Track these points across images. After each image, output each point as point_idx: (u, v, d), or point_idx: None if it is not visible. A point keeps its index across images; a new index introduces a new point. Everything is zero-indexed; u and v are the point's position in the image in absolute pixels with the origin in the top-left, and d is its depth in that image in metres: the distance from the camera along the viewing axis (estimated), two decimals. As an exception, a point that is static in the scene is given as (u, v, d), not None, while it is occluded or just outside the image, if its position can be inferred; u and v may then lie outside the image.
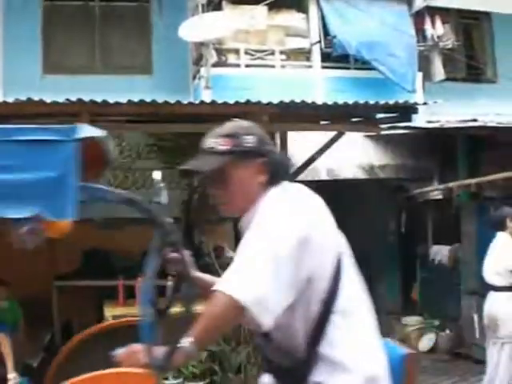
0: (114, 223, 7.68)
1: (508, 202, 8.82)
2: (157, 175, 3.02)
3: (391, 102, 6.06)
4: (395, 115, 6.37)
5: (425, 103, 6.33)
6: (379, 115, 6.72)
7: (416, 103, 6.12)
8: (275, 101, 5.62)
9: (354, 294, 2.34)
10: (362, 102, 5.84)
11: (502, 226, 6.33)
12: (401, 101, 6.13)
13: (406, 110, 6.21)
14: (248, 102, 5.50)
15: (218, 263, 7.59)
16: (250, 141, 2.30)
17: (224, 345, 6.12)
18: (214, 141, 2.32)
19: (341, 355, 2.19)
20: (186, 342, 2.05)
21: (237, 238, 8.26)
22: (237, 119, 2.44)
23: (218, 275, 6.89)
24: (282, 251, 2.10)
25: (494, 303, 6.19)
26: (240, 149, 2.29)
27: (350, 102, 5.86)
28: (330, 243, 2.30)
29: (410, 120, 6.48)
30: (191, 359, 2.15)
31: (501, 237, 6.31)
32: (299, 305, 2.18)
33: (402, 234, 10.30)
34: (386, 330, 8.49)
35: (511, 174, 7.84)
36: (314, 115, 6.54)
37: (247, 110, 5.66)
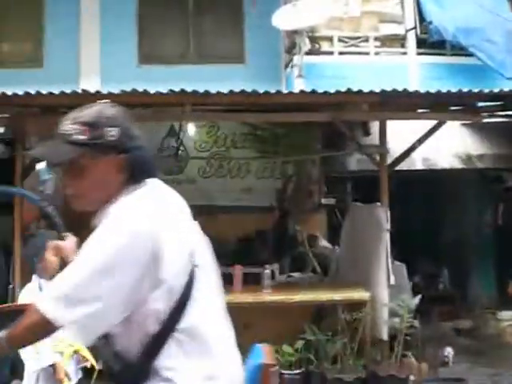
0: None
1: None
2: (41, 166, 2.96)
3: (495, 90, 5.84)
4: (499, 103, 6.14)
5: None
6: (480, 103, 6.50)
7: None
8: (376, 89, 5.53)
9: (205, 311, 2.09)
10: (464, 90, 5.66)
11: None
12: (506, 89, 5.89)
13: (510, 99, 5.97)
14: (349, 90, 5.44)
15: (311, 252, 7.61)
16: (112, 134, 2.04)
17: (320, 334, 6.13)
18: (72, 127, 2.04)
19: (174, 373, 2.00)
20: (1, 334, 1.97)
21: (331, 227, 8.27)
22: (104, 101, 2.15)
23: (312, 264, 6.96)
24: (120, 266, 1.91)
25: None
26: (99, 141, 2.02)
27: (452, 90, 5.69)
28: (182, 259, 2.03)
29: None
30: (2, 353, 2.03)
31: None
32: (136, 319, 1.99)
33: (498, 227, 9.98)
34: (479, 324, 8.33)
35: None
36: (413, 104, 6.41)
37: (347, 99, 5.61)
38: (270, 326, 6.06)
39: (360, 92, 5.38)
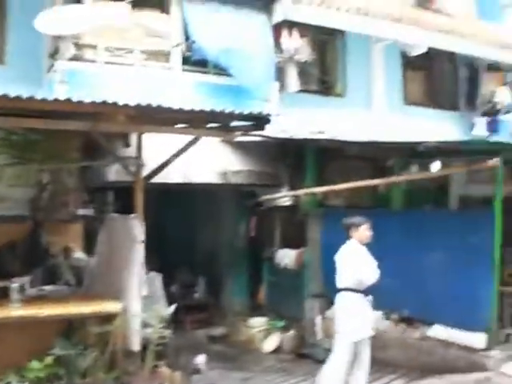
0: None
1: (350, 210, 9.44)
2: None
3: (246, 111, 6.24)
4: (250, 124, 6.57)
5: (277, 115, 6.59)
6: (234, 123, 6.88)
7: (269, 114, 6.35)
8: (133, 102, 5.58)
9: None
10: (218, 109, 5.96)
11: (348, 235, 6.79)
12: (255, 111, 6.32)
13: (261, 120, 6.42)
14: (104, 101, 5.43)
15: (66, 264, 7.44)
16: None
17: (70, 348, 6.00)
18: None
19: None
20: None
21: (88, 238, 8.13)
22: None
23: (65, 276, 6.76)
24: None
25: (337, 302, 6.76)
26: None
27: (207, 108, 5.96)
28: None
29: (263, 129, 6.71)
30: None
31: (347, 245, 6.77)
32: None
33: (251, 238, 10.60)
34: (231, 331, 8.76)
35: (356, 184, 8.39)
36: (170, 118, 6.59)
37: (103, 109, 5.60)
38: (18, 342, 5.84)
39: (115, 104, 5.41)
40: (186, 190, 9.73)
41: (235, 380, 8.21)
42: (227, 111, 6.01)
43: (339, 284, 6.72)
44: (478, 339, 7.59)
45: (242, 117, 6.31)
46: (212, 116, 6.21)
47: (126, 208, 6.90)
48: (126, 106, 5.50)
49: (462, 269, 7.67)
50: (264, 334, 9.88)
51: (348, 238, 6.78)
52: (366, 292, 6.67)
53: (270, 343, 9.72)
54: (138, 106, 5.53)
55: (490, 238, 7.37)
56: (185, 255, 11.09)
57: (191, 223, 11.56)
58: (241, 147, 9.56)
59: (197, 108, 5.87)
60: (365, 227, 6.72)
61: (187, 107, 5.89)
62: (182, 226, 11.43)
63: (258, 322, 10.05)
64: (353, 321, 6.62)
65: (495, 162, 7.17)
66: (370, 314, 6.79)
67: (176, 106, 5.84)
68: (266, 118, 6.33)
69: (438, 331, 8.13)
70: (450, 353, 7.78)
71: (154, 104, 5.64)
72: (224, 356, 9.47)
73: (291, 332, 9.72)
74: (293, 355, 9.45)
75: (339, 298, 6.72)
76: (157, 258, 10.13)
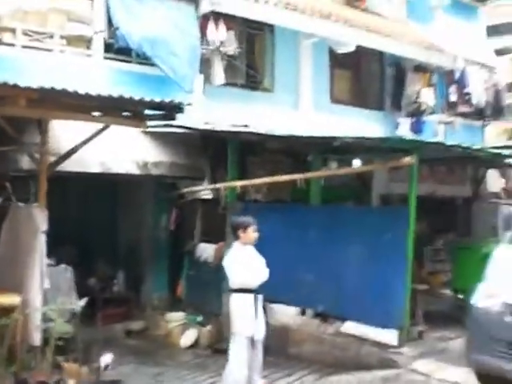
0: None
1: (270, 205, 9.43)
2: None
3: (157, 99, 6.08)
4: (160, 113, 6.40)
5: (189, 104, 6.42)
6: (149, 111, 6.71)
7: (181, 103, 6.20)
8: (33, 85, 5.33)
9: None
10: (127, 96, 5.77)
11: (235, 236, 6.69)
12: (167, 100, 6.16)
13: (172, 109, 6.26)
14: (5, 84, 5.18)
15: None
16: None
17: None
18: None
19: None
20: None
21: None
22: None
23: None
24: None
25: (230, 302, 6.71)
26: None
27: (115, 94, 5.76)
28: None
29: (174, 119, 6.55)
30: None
31: (234, 246, 6.72)
32: None
33: (172, 232, 10.45)
34: (149, 326, 8.54)
35: (274, 179, 8.35)
36: (84, 106, 6.35)
37: (3, 92, 5.34)
38: None
39: (16, 86, 5.15)
40: (107, 180, 9.49)
41: (147, 375, 8.06)
42: (137, 98, 5.83)
43: (230, 285, 6.68)
44: (390, 336, 7.67)
45: (152, 105, 6.13)
46: (121, 102, 6.00)
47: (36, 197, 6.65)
48: (27, 88, 5.26)
49: (376, 266, 7.73)
50: (182, 328, 9.75)
51: (235, 238, 6.68)
52: (255, 291, 6.59)
53: (187, 338, 9.60)
54: (40, 89, 5.30)
55: (405, 236, 7.44)
56: (105, 248, 10.83)
57: (112, 215, 11.31)
58: (162, 138, 9.38)
59: (104, 93, 5.66)
60: (252, 229, 6.61)
61: (95, 92, 5.67)
62: (103, 217, 11.16)
63: (176, 317, 9.92)
64: (244, 320, 6.58)
65: (410, 159, 7.23)
66: (260, 315, 6.72)
67: (83, 91, 5.62)
68: (178, 106, 6.16)
69: (352, 327, 8.19)
70: (363, 349, 7.84)
71: (59, 87, 5.41)
72: (140, 351, 9.30)
73: (209, 327, 9.62)
74: (209, 350, 9.35)
75: (230, 298, 6.68)
76: (75, 250, 9.90)
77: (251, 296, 6.52)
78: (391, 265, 7.59)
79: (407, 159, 7.26)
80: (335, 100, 12.45)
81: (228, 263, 6.65)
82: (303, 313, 8.83)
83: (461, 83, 13.88)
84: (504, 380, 5.54)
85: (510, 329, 5.49)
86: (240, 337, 6.60)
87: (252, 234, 6.57)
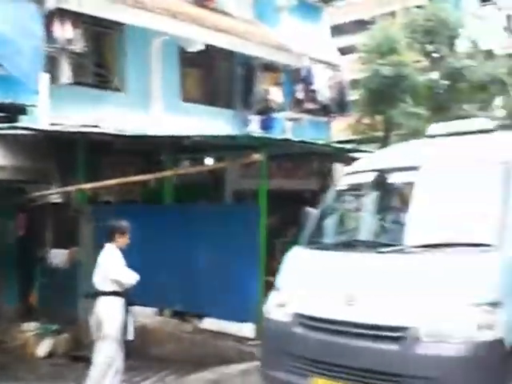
0: None
1: (122, 206, 9.31)
2: None
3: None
4: (2, 115, 6.13)
5: (33, 105, 6.21)
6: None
7: (24, 105, 5.97)
8: None
9: None
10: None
11: (110, 238, 6.65)
12: (7, 101, 5.92)
13: (14, 111, 6.02)
14: None
15: None
16: None
17: None
18: None
19: None
20: None
21: None
22: None
23: None
24: None
25: (100, 306, 6.62)
26: None
27: None
28: None
29: (16, 121, 6.30)
30: None
31: (108, 248, 6.63)
32: None
33: (21, 238, 10.01)
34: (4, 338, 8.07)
35: (126, 179, 8.25)
36: None
37: None
38: None
39: None
40: None
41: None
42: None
43: (100, 287, 6.62)
44: (247, 329, 7.83)
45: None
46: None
47: None
48: None
49: (230, 261, 7.84)
50: (37, 338, 9.37)
51: (109, 241, 6.65)
52: (125, 295, 6.64)
53: (44, 348, 9.23)
54: None
55: (256, 230, 7.62)
56: None
57: None
58: (6, 141, 8.94)
59: None
60: (129, 235, 6.69)
61: None
62: None
63: (30, 327, 9.51)
64: (116, 323, 6.58)
65: (259, 156, 7.42)
66: (130, 317, 6.73)
67: None
68: (21, 108, 5.93)
69: (211, 323, 8.29)
70: (222, 344, 7.94)
71: None
72: (-2, 366, 8.83)
73: (65, 335, 9.33)
74: (67, 358, 9.07)
75: (101, 301, 6.62)
76: None
77: (122, 299, 6.56)
78: (244, 259, 7.73)
79: (256, 156, 7.45)
80: (186, 99, 12.54)
81: (102, 265, 6.60)
82: (161, 313, 8.81)
83: (307, 81, 14.46)
84: None
85: (300, 341, 4.89)
86: (112, 340, 6.56)
87: (127, 239, 6.66)
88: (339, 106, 15.57)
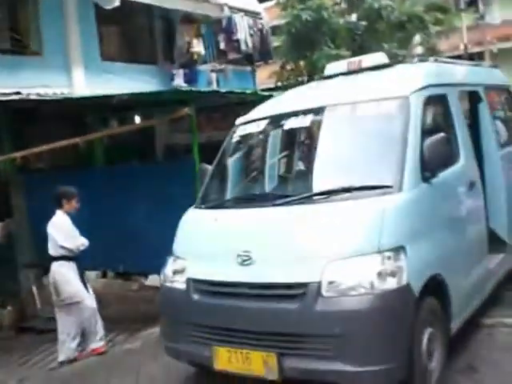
0: None
1: (54, 173, 9.15)
2: None
3: None
4: None
5: None
6: None
7: None
8: None
9: None
10: None
11: (58, 205, 6.75)
12: None
13: None
14: None
15: None
16: None
17: None
18: None
19: None
20: None
21: None
22: None
23: None
24: None
25: (53, 271, 6.78)
26: None
27: None
28: None
29: None
30: None
31: (57, 214, 6.64)
32: None
33: None
34: None
35: (54, 145, 8.10)
36: None
37: None
38: None
39: None
40: None
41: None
42: None
43: (52, 253, 6.68)
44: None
45: None
46: None
47: None
48: None
49: (167, 217, 7.83)
50: (-20, 314, 9.26)
51: (58, 207, 6.70)
52: (77, 258, 6.83)
53: (-12, 322, 9.16)
54: None
55: (192, 184, 7.65)
56: None
57: None
58: None
59: None
60: (76, 199, 6.74)
61: None
62: None
63: (-29, 304, 9.37)
64: (72, 287, 6.76)
65: (186, 110, 7.42)
66: (83, 280, 6.92)
67: None
68: None
69: (156, 280, 8.37)
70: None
71: None
72: None
73: (9, 308, 9.25)
74: (13, 331, 9.03)
75: (54, 267, 6.70)
76: None
77: (73, 263, 6.74)
78: (182, 214, 7.77)
79: (185, 110, 7.45)
80: (106, 57, 12.20)
81: (52, 231, 6.67)
82: (104, 275, 8.84)
83: (228, 31, 14.33)
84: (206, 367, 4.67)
85: (198, 309, 4.56)
86: (70, 303, 6.73)
87: (75, 204, 6.77)
88: (262, 53, 15.52)
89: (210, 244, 4.68)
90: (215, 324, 4.42)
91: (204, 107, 8.73)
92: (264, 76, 17.85)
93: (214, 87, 12.71)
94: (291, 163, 5.32)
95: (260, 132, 5.38)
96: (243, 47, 14.62)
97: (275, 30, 17.02)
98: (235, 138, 5.57)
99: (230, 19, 14.39)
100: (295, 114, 5.08)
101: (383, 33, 16.34)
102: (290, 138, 5.37)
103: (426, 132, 4.64)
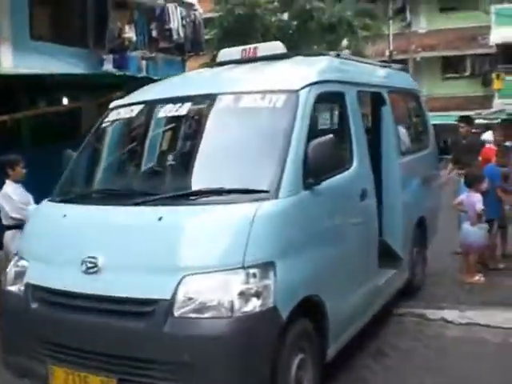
0: None
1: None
2: None
3: None
4: None
5: None
6: None
7: None
8: None
9: None
10: None
11: (5, 174, 6.55)
12: None
13: None
14: None
15: None
16: None
17: None
18: None
19: None
20: None
21: None
22: None
23: None
24: None
25: (6, 239, 6.53)
26: None
27: None
28: None
29: None
30: None
31: (6, 184, 6.61)
32: None
33: None
34: None
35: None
36: None
37: None
38: None
39: None
40: None
41: None
42: None
43: (4, 222, 6.63)
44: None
45: None
46: None
47: None
48: None
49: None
50: None
51: (5, 177, 6.61)
52: None
53: None
54: None
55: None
56: None
57: None
58: None
59: None
60: (21, 165, 6.67)
61: None
62: None
63: None
64: None
65: (119, 94, 7.48)
66: None
67: None
68: None
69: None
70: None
71: None
72: None
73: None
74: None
75: (6, 235, 6.64)
76: None
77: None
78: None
79: (116, 94, 7.50)
80: (36, 37, 12.03)
81: (1, 202, 6.46)
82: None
83: (161, 20, 14.39)
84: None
85: (36, 320, 3.82)
86: None
87: (21, 170, 6.54)
88: (194, 44, 15.65)
89: (55, 245, 3.94)
90: (52, 340, 3.70)
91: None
92: (194, 67, 17.86)
93: (144, 74, 12.71)
94: (161, 156, 4.65)
95: (132, 118, 4.64)
96: (175, 37, 14.70)
97: (208, 22, 17.17)
98: (105, 123, 4.78)
99: (163, 8, 14.47)
100: (172, 100, 4.39)
101: (313, 33, 16.79)
102: (162, 128, 4.76)
103: (315, 132, 4.10)
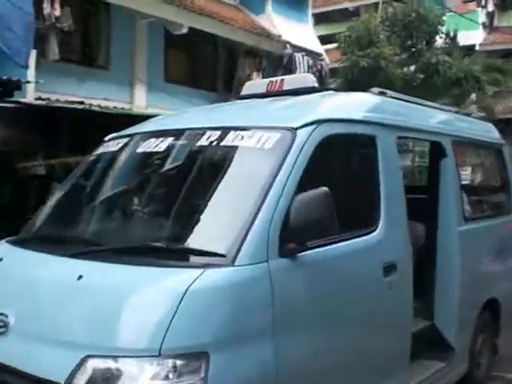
0: None
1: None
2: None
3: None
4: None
5: (28, 81, 6.55)
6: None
7: (19, 80, 6.32)
8: None
9: None
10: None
11: None
12: (4, 77, 6.26)
13: (9, 85, 6.37)
14: None
15: None
16: None
17: None
18: None
19: None
20: None
21: None
22: None
23: None
24: None
25: None
26: None
27: None
28: None
29: (11, 96, 6.64)
30: None
31: None
32: None
33: (5, 207, 10.30)
34: None
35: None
36: None
37: None
38: None
39: None
40: None
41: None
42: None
43: None
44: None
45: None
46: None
47: None
48: None
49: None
50: None
51: None
52: None
53: None
54: None
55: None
56: None
57: None
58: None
59: None
60: None
61: None
62: None
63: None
64: None
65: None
66: None
67: None
68: (16, 83, 6.28)
69: None
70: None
71: None
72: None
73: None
74: None
75: None
76: None
77: None
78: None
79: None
80: (169, 80, 12.86)
81: None
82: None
83: (288, 68, 14.84)
84: None
85: None
86: None
87: None
88: (318, 93, 15.93)
89: None
90: None
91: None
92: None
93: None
94: (117, 199, 3.88)
95: (113, 152, 3.92)
96: (301, 85, 15.05)
97: (333, 72, 17.46)
98: (92, 156, 4.17)
99: (291, 56, 14.94)
100: (156, 134, 3.77)
101: (439, 87, 16.59)
102: (133, 165, 3.98)
103: (316, 184, 3.05)
